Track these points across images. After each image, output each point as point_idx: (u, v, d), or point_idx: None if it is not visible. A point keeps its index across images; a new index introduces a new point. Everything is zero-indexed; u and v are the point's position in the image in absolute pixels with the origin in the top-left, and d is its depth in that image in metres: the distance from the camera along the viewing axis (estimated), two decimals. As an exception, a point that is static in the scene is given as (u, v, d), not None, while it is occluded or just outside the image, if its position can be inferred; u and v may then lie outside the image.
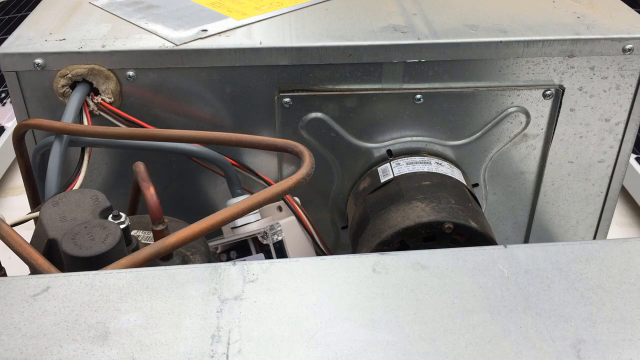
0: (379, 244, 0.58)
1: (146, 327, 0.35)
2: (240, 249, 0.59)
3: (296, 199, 0.62)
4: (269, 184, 0.61)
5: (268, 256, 0.58)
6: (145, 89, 0.64)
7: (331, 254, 0.63)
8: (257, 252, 0.59)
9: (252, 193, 0.61)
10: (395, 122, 0.66)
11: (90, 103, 0.61)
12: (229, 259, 0.60)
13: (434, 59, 0.63)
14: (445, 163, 0.67)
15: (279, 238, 0.58)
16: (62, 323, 0.35)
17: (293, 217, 0.60)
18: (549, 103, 0.66)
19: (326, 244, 0.63)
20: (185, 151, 0.60)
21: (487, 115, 0.66)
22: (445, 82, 0.65)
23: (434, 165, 0.65)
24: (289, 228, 0.59)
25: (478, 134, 0.68)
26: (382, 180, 0.65)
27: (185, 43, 0.62)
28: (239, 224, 0.60)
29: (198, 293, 0.37)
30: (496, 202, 0.73)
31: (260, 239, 0.58)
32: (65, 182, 0.59)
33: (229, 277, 0.38)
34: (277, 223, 0.58)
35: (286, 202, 0.61)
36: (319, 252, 0.62)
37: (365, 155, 0.68)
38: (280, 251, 0.58)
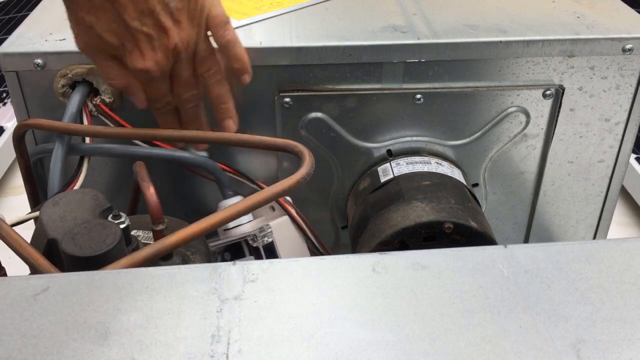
0: (379, 243, 0.58)
1: (146, 327, 0.35)
2: (234, 251, 0.59)
3: (288, 198, 0.62)
4: (261, 188, 0.60)
5: (259, 258, 0.58)
6: (145, 89, 0.63)
7: (327, 252, 0.63)
8: (250, 254, 0.58)
9: (243, 194, 0.61)
10: (395, 122, 0.66)
11: (89, 104, 0.61)
12: (223, 261, 0.60)
13: (434, 59, 0.63)
14: (445, 163, 0.67)
15: (269, 240, 0.57)
16: (62, 323, 0.35)
17: (285, 217, 0.60)
18: (548, 103, 0.66)
19: (322, 242, 0.62)
20: (171, 157, 0.60)
21: (487, 115, 0.66)
22: (445, 82, 0.65)
23: (434, 165, 0.65)
24: (280, 228, 0.59)
25: (478, 134, 0.68)
26: (382, 180, 0.65)
27: (185, 43, 0.62)
28: (231, 226, 0.60)
29: (198, 293, 0.37)
30: (496, 202, 0.73)
31: (250, 241, 0.57)
32: (65, 182, 0.59)
33: (229, 277, 0.38)
34: (267, 225, 0.58)
35: (278, 203, 0.60)
36: (315, 251, 0.62)
37: (365, 155, 0.68)
38: (271, 252, 0.58)
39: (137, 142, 0.60)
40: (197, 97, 0.58)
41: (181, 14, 0.53)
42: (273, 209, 0.62)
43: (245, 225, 0.60)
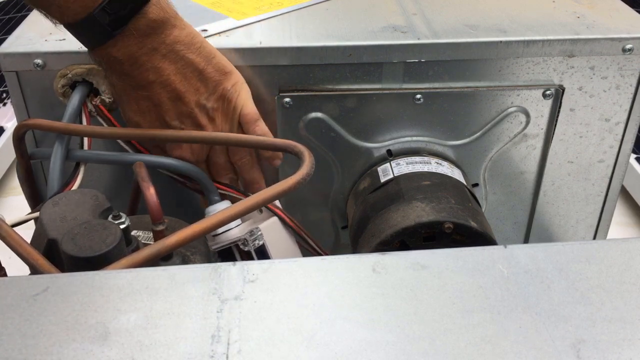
0: (379, 243, 0.58)
1: (146, 327, 0.35)
2: (225, 256, 0.59)
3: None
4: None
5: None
6: (145, 89, 0.63)
7: (320, 249, 0.63)
8: (241, 259, 0.58)
9: (229, 199, 0.60)
10: (395, 122, 0.66)
11: (89, 104, 0.61)
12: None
13: (434, 59, 0.63)
14: (445, 163, 0.67)
15: (260, 243, 0.57)
16: (62, 323, 0.35)
17: (274, 219, 0.59)
18: (548, 103, 0.66)
19: (312, 237, 0.61)
20: (157, 164, 0.60)
21: (487, 115, 0.66)
22: (445, 82, 0.65)
23: (434, 165, 0.65)
24: (270, 230, 0.58)
25: (478, 134, 0.68)
26: (382, 180, 0.65)
27: (185, 43, 0.62)
28: (220, 232, 0.58)
29: (198, 293, 0.37)
30: (496, 202, 0.73)
31: (241, 246, 0.57)
32: (64, 182, 0.59)
33: (229, 277, 0.38)
34: (256, 228, 0.57)
35: (266, 207, 0.60)
36: (309, 250, 0.62)
37: (365, 155, 0.68)
38: (263, 255, 0.57)
39: (130, 145, 0.60)
40: (234, 180, 0.65)
41: (216, 113, 0.60)
42: (260, 210, 0.61)
43: (234, 230, 0.58)
